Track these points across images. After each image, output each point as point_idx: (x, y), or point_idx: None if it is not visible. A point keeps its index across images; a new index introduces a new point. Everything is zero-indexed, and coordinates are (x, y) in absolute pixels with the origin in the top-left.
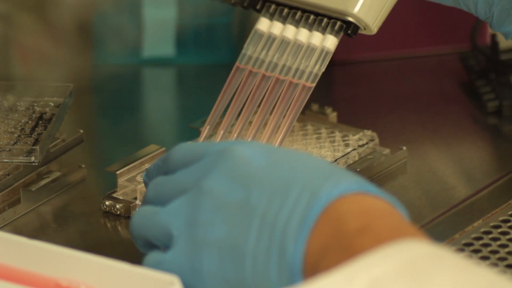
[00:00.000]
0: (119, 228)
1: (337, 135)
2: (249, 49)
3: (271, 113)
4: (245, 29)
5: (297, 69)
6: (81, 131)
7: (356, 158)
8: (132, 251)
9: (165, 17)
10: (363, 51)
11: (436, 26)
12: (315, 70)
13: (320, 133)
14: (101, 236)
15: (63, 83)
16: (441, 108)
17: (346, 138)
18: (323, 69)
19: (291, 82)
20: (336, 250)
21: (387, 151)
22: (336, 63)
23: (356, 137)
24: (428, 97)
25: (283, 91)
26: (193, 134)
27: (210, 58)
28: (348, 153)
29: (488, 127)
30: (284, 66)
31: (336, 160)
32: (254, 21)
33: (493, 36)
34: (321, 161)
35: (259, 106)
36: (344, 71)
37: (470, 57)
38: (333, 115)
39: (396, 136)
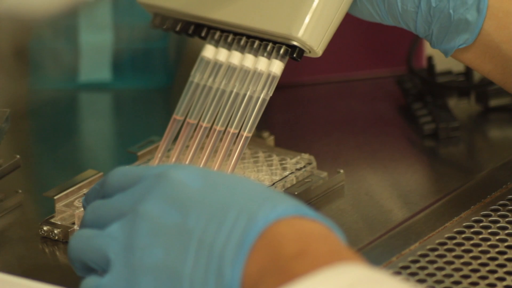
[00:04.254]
0: (57, 253)
1: (275, 158)
2: (196, 76)
3: (207, 136)
4: (182, 53)
5: (244, 95)
6: (18, 156)
7: (294, 182)
8: (70, 276)
9: (101, 42)
10: (300, 75)
11: (372, 49)
12: (262, 95)
13: (257, 157)
14: (39, 261)
15: None
16: (378, 131)
17: (283, 162)
18: (270, 93)
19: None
20: (274, 274)
21: (324, 174)
22: None
23: (294, 160)
24: (365, 120)
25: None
26: (131, 158)
27: (147, 83)
28: (286, 176)
29: (424, 150)
30: (231, 92)
31: (273, 183)
32: (191, 46)
33: (429, 59)
34: (258, 185)
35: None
36: (281, 95)
37: (407, 80)
38: (270, 139)
39: (334, 159)
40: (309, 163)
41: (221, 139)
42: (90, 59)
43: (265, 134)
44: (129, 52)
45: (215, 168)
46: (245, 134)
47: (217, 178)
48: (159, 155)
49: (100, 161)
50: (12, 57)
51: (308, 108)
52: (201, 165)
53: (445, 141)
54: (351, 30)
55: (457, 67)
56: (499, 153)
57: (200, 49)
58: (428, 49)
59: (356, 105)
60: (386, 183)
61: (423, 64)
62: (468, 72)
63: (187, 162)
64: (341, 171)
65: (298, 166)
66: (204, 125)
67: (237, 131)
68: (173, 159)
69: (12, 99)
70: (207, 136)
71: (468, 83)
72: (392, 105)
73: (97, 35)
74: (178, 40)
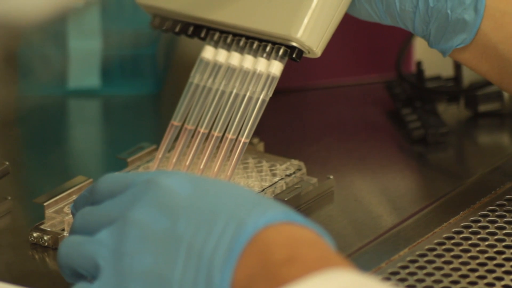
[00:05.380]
0: (47, 259)
1: (264, 164)
2: (196, 78)
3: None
4: (171, 59)
5: (244, 96)
6: (7, 163)
7: (284, 188)
8: (59, 282)
9: (90, 48)
10: (289, 81)
11: (361, 55)
12: (262, 96)
13: (247, 163)
14: (29, 268)
15: None
16: (367, 136)
17: (273, 168)
18: (270, 94)
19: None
20: (263, 280)
21: (314, 180)
22: None
23: (283, 166)
24: (354, 126)
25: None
26: (120, 164)
27: (136, 89)
28: (276, 182)
29: (413, 155)
30: (231, 93)
31: (263, 189)
32: (180, 52)
33: (418, 64)
34: (247, 191)
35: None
36: (270, 100)
37: (396, 85)
38: (260, 145)
39: (323, 165)
40: (299, 169)
41: (218, 146)
42: (79, 65)
43: (255, 140)
44: (118, 58)
45: (214, 174)
46: (243, 139)
47: (207, 184)
48: (157, 162)
49: (89, 167)
50: (1, 63)
51: (297, 114)
52: (200, 172)
53: (434, 146)
54: (340, 36)
55: (446, 72)
56: (489, 159)
57: (189, 55)
58: (417, 55)
59: (345, 110)
60: (375, 188)
61: (412, 69)
62: (457, 77)
63: (185, 169)
64: (331, 177)
65: (288, 172)
66: (202, 131)
67: (235, 136)
68: (171, 167)
69: (1, 106)
70: (205, 141)
71: (457, 88)
72: (381, 111)
73: (86, 41)
74: (167, 46)
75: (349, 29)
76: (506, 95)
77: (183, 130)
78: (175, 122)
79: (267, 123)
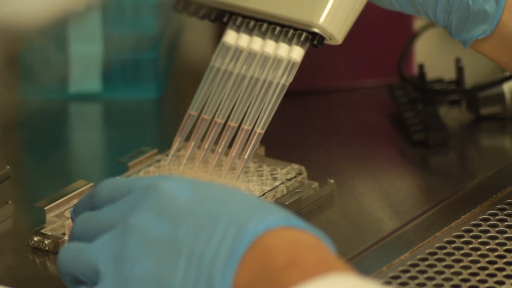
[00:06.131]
0: (48, 263)
1: (265, 169)
2: (217, 62)
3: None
4: (172, 64)
5: (264, 80)
6: (8, 167)
7: (284, 192)
8: (60, 286)
9: (91, 52)
10: (290, 85)
11: (363, 59)
12: (282, 81)
13: (248, 167)
14: (29, 272)
15: None
16: (368, 140)
17: (274, 172)
18: (290, 79)
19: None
20: (264, 285)
21: (315, 184)
22: None
23: (284, 170)
24: (355, 130)
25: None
26: (121, 168)
27: (137, 93)
28: (276, 187)
29: (415, 158)
30: (251, 77)
31: (264, 194)
32: (181, 56)
33: (420, 67)
34: (247, 195)
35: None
36: None
37: (398, 88)
38: (261, 149)
39: (324, 169)
40: (300, 173)
41: (235, 135)
42: (80, 69)
43: None
44: (119, 62)
45: (227, 165)
46: (258, 130)
47: (207, 189)
48: (189, 151)
49: (90, 171)
50: (2, 67)
51: (298, 118)
52: (213, 162)
53: (436, 149)
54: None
55: (448, 75)
56: (490, 162)
57: (190, 59)
58: (419, 57)
59: (346, 114)
60: (376, 192)
61: (414, 72)
62: (459, 80)
63: (200, 160)
64: (332, 181)
65: (289, 176)
66: (218, 121)
67: (251, 127)
68: (186, 156)
69: (2, 110)
70: (221, 132)
71: (459, 91)
72: (382, 114)
73: (87, 45)
74: (168, 50)
75: (351, 32)
76: (508, 98)
77: (200, 120)
78: (192, 111)
79: (268, 127)
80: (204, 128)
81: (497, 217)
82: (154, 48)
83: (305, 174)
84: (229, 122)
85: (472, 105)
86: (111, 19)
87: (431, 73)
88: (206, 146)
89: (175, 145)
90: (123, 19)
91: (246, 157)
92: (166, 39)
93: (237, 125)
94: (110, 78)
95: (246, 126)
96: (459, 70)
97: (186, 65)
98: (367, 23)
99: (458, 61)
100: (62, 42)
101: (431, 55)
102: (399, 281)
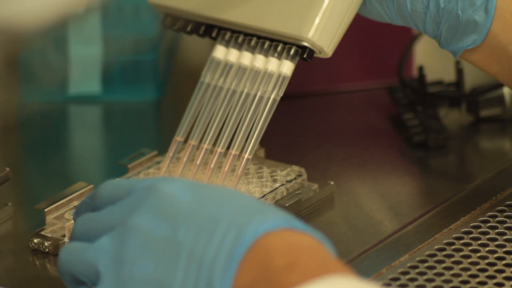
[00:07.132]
0: (48, 265)
1: (265, 170)
2: (207, 77)
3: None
4: (171, 66)
5: (255, 95)
6: (8, 169)
7: (284, 194)
8: None
9: (91, 54)
10: (290, 87)
11: (363, 61)
12: (273, 96)
13: (248, 169)
14: (29, 274)
15: None
16: (367, 142)
17: (274, 174)
18: (281, 94)
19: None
20: (263, 287)
21: (315, 186)
22: None
23: (284, 172)
24: (354, 132)
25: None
26: (121, 171)
27: (136, 95)
28: (276, 188)
29: (414, 160)
30: (242, 92)
31: (264, 195)
32: (181, 58)
33: (420, 69)
34: (247, 197)
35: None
36: None
37: (398, 90)
38: (260, 151)
39: (324, 171)
40: (300, 175)
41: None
42: (80, 71)
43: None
44: (119, 64)
45: (221, 182)
46: (246, 156)
47: (207, 191)
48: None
49: (90, 173)
50: (2, 69)
51: (298, 120)
52: (207, 180)
53: (435, 151)
54: (341, 42)
55: (448, 77)
56: (490, 164)
57: (190, 61)
58: (419, 59)
59: (346, 116)
60: (376, 194)
61: (414, 74)
62: (459, 82)
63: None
64: (332, 182)
65: (289, 178)
66: (205, 147)
67: (245, 137)
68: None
69: (2, 111)
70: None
71: (459, 93)
72: (382, 116)
73: (87, 47)
74: (168, 52)
75: (351, 35)
76: (508, 100)
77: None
78: (178, 138)
79: (268, 129)
80: (192, 151)
81: (497, 219)
82: (154, 50)
83: (305, 176)
84: (216, 148)
85: (472, 107)
86: (110, 21)
87: (431, 75)
88: (195, 170)
89: (164, 168)
90: (122, 21)
91: (239, 172)
92: (165, 41)
93: (223, 150)
94: (110, 80)
95: (233, 151)
96: (459, 72)
97: (185, 67)
98: (367, 26)
99: (458, 63)
100: (62, 44)
101: (431, 57)
102: (398, 283)
